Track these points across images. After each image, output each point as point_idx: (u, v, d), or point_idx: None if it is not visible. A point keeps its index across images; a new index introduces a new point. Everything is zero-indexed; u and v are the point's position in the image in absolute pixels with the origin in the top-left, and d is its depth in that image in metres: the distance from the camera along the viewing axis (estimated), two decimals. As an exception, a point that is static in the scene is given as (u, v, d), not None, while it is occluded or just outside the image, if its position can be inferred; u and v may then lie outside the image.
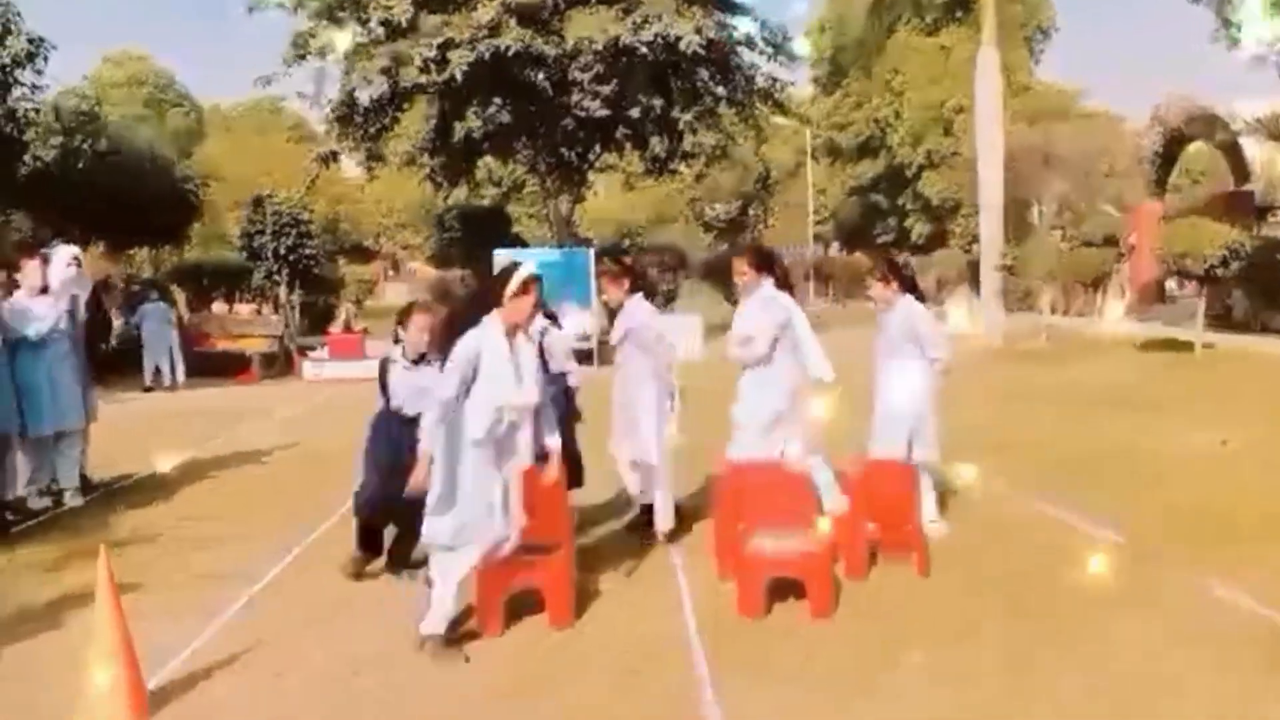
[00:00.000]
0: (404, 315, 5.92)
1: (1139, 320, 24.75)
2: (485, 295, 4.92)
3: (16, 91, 15.73)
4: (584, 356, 18.26)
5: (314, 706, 4.30)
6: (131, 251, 30.08)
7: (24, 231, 21.59)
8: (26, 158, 18.11)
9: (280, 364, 20.03)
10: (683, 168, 25.30)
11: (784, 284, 6.24)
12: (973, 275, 26.57)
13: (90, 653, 4.06)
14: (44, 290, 7.87)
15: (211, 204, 34.00)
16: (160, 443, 10.80)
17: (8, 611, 5.48)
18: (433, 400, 4.71)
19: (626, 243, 59.04)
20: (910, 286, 6.61)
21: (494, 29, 17.94)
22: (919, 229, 47.62)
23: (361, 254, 60.05)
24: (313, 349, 20.21)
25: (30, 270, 7.78)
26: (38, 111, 17.40)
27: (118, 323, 19.64)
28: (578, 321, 21.05)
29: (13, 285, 7.79)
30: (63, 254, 7.97)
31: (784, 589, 5.27)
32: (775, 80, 23.97)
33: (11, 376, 7.59)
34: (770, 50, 22.99)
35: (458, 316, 4.91)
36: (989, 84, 22.72)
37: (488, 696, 4.35)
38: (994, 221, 22.81)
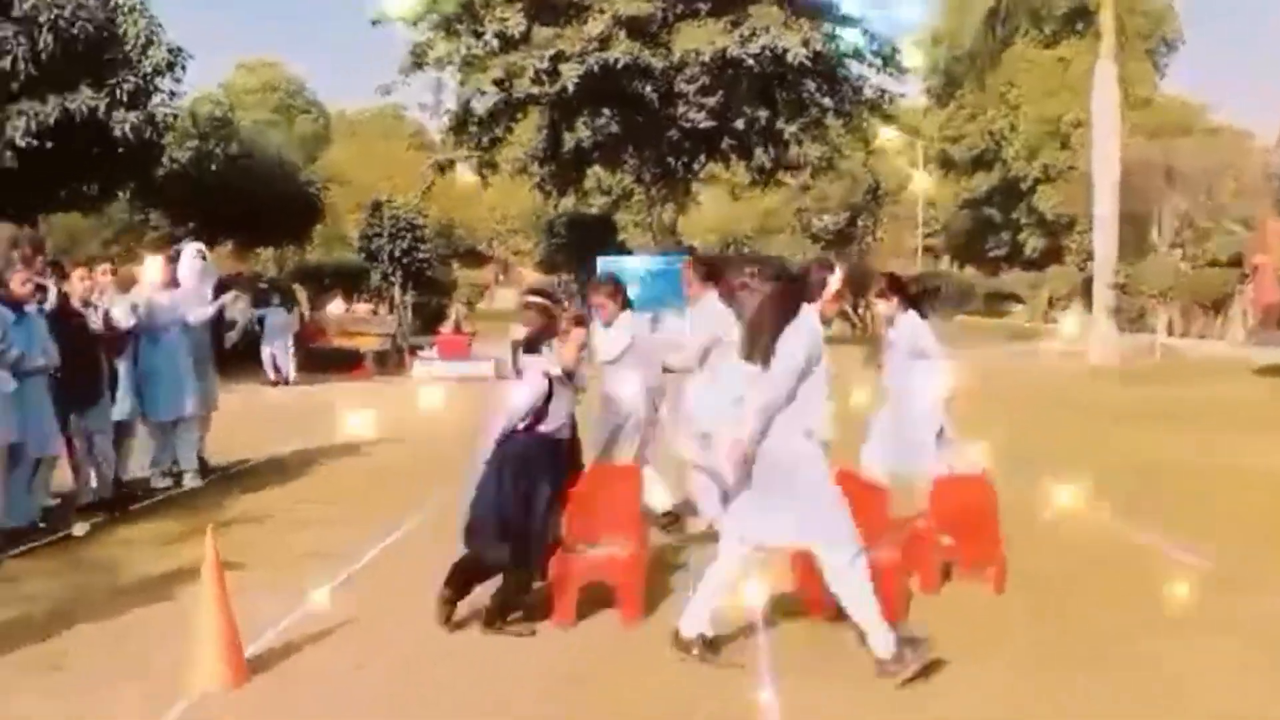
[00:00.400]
0: (545, 323, 5.34)
1: (1260, 344, 23.75)
2: (800, 290, 4.72)
3: (156, 98, 16.76)
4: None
5: (391, 680, 4.62)
6: (258, 251, 31.56)
7: (161, 229, 22.95)
8: (164, 160, 19.26)
9: (392, 362, 20.83)
10: (788, 178, 25.34)
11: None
12: (1086, 292, 25.91)
13: (196, 621, 4.46)
14: (171, 285, 8.51)
15: (333, 207, 35.50)
16: (274, 432, 11.50)
17: (128, 580, 5.98)
18: (761, 395, 4.57)
19: (730, 251, 59.17)
20: (913, 302, 6.76)
21: (604, 42, 18.38)
22: (1032, 244, 46.47)
23: (475, 258, 61.41)
24: (423, 348, 20.94)
25: (157, 267, 8.41)
26: (175, 117, 18.50)
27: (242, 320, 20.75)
28: (677, 328, 21.38)
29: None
30: (190, 250, 8.59)
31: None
32: (884, 92, 23.86)
33: (134, 365, 8.26)
34: (879, 62, 22.90)
35: (780, 308, 4.72)
36: (1106, 97, 22.19)
37: (551, 681, 4.60)
38: (1108, 238, 22.26)
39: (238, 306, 9.47)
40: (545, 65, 18.69)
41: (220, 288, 9.14)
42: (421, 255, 22.39)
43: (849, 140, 25.33)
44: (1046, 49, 43.73)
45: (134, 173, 17.96)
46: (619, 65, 18.48)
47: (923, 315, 6.81)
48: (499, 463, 5.11)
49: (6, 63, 14.23)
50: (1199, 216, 29.07)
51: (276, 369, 18.42)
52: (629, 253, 27.00)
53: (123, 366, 8.28)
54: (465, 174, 30.41)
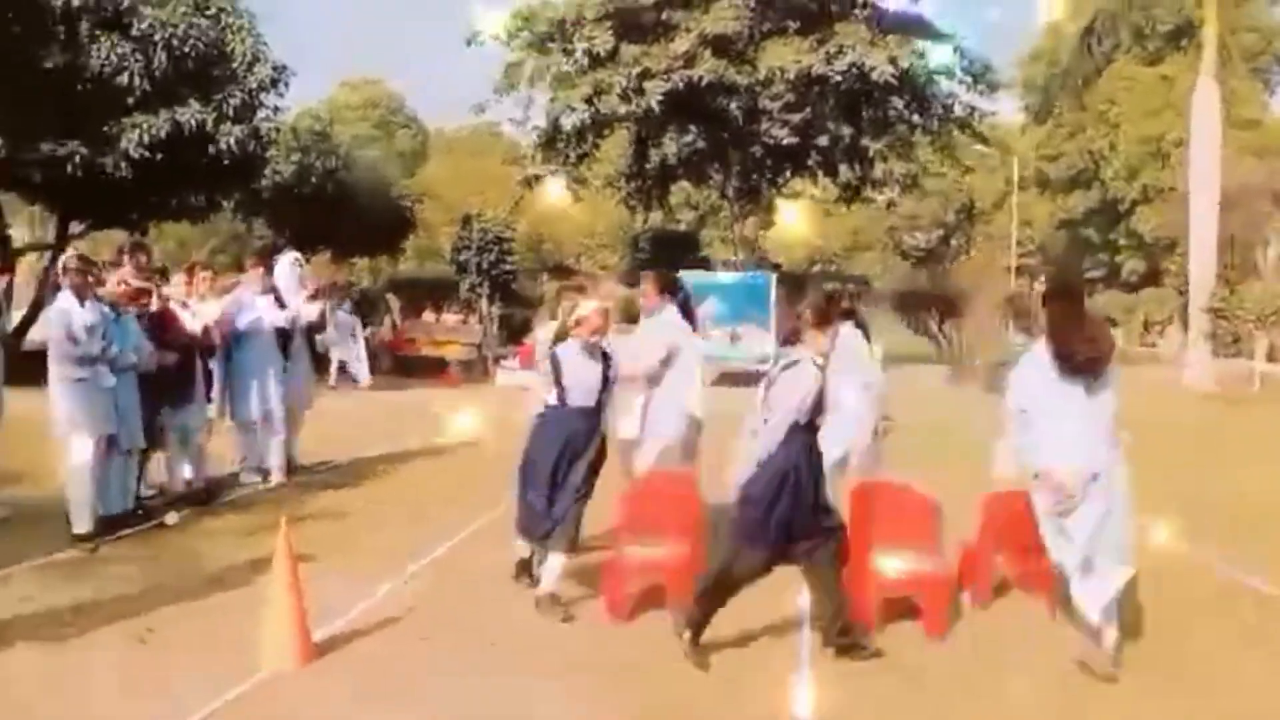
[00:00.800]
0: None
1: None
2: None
3: (261, 114, 17.52)
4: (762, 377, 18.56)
5: (450, 666, 4.86)
6: (353, 261, 32.59)
7: (265, 238, 23.91)
8: (267, 172, 20.10)
9: (477, 370, 21.39)
10: (875, 195, 25.19)
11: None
12: (1185, 316, 25.18)
13: (270, 605, 4.77)
14: (266, 292, 8.99)
15: (427, 221, 36.44)
16: (359, 435, 11.95)
17: (211, 567, 6.37)
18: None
19: (817, 268, 58.83)
20: (847, 314, 6.92)
21: (689, 60, 18.61)
22: (1131, 265, 45.15)
23: (564, 273, 62.12)
24: (506, 358, 21.42)
25: (254, 275, 8.91)
26: (278, 131, 19.29)
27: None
28: (758, 341, 21.43)
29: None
30: (286, 258, 9.05)
31: (900, 607, 5.45)
32: (974, 109, 23.59)
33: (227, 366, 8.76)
34: (969, 80, 22.68)
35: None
36: (1206, 115, 21.61)
37: (593, 670, 4.82)
38: (1205, 261, 21.64)
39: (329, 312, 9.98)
40: (632, 83, 19.01)
41: (314, 295, 9.53)
42: (507, 268, 22.93)
43: (938, 158, 25.09)
44: (1150, 66, 42.57)
45: (238, 184, 18.78)
46: (703, 83, 18.68)
47: (860, 327, 7.11)
48: None
49: (124, 79, 15.06)
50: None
51: (342, 371, 18.58)
52: (711, 268, 27.15)
53: (216, 367, 8.78)
54: (556, 190, 31.01)
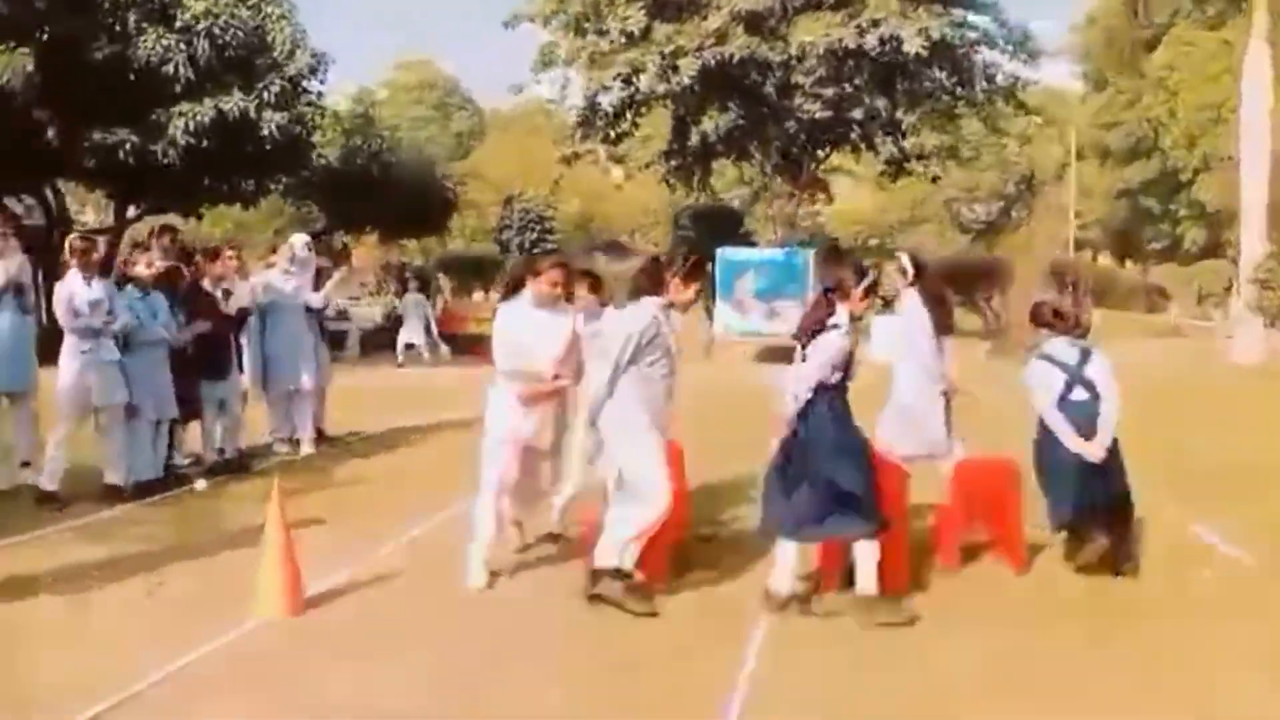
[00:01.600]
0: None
1: None
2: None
3: (304, 99, 18.07)
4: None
5: (436, 621, 5.22)
6: (404, 242, 33.26)
7: (317, 220, 24.58)
8: (313, 156, 20.68)
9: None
10: (918, 169, 24.97)
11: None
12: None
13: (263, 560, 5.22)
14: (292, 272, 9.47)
15: (478, 201, 37.02)
16: (392, 408, 12.40)
17: (231, 528, 6.80)
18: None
19: (875, 242, 58.23)
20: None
21: (721, 37, 18.71)
22: (1192, 236, 44.10)
23: (620, 251, 62.36)
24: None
25: (282, 252, 9.40)
26: (322, 116, 19.85)
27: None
28: (796, 317, 21.53)
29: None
30: (297, 240, 9.50)
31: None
32: (1017, 79, 23.26)
33: (260, 341, 9.25)
34: (1010, 48, 22.38)
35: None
36: (1258, 80, 21.12)
37: (553, 629, 5.17)
38: (1255, 230, 21.19)
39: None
40: (667, 61, 19.18)
41: (317, 276, 9.95)
42: (549, 246, 23.27)
43: (982, 130, 24.81)
44: (1210, 30, 41.37)
45: (285, 168, 19.38)
46: (735, 60, 18.77)
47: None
48: None
49: (170, 68, 15.68)
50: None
51: (409, 348, 19.56)
52: (756, 244, 27.24)
53: (247, 342, 9.26)
54: (609, 168, 31.26)
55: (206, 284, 8.69)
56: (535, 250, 22.98)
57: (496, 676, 4.54)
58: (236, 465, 8.81)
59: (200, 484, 8.12)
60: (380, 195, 22.02)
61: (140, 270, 7.78)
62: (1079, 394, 5.87)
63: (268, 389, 9.43)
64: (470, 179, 31.17)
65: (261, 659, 4.71)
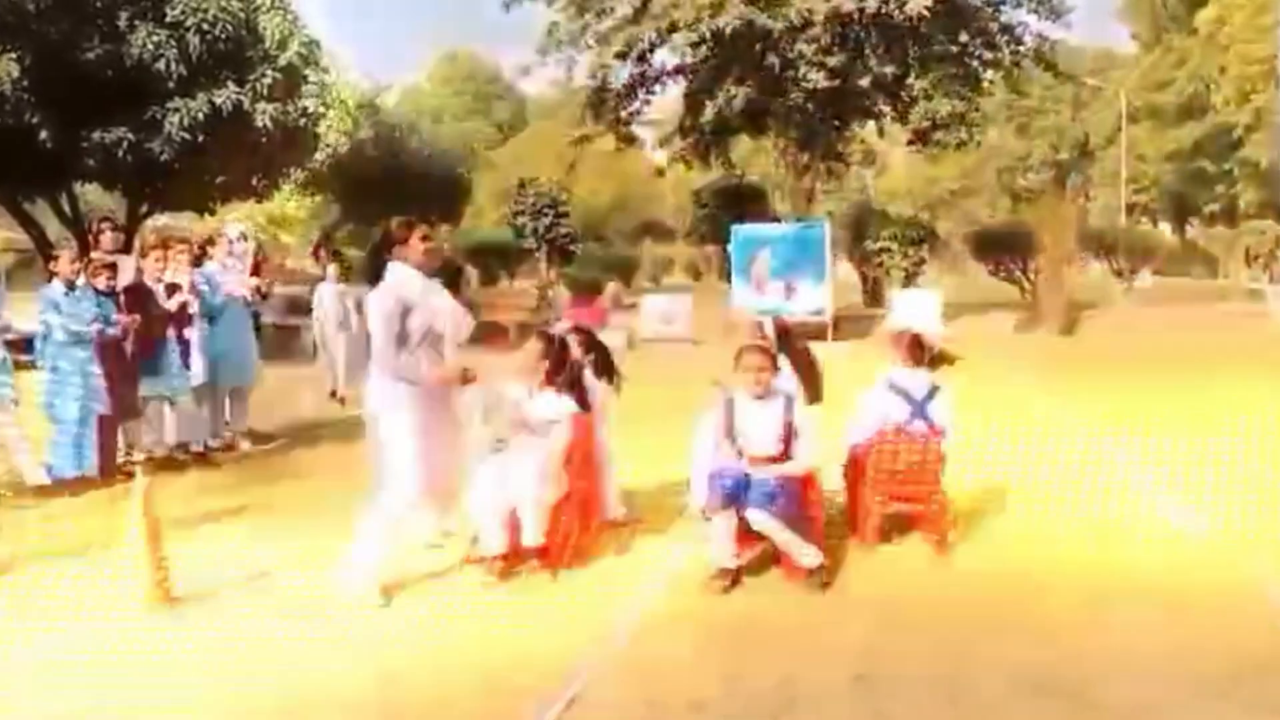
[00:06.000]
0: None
1: None
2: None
3: (305, 90, 17.97)
4: (819, 332, 18.19)
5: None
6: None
7: (330, 211, 24.71)
8: (320, 148, 20.66)
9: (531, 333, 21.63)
10: (946, 138, 24.18)
11: None
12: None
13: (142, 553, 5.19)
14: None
15: (509, 190, 36.93)
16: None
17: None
18: None
19: (926, 215, 57.08)
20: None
21: (716, 7, 18.25)
22: (1248, 197, 42.46)
23: (665, 233, 62.22)
24: (561, 319, 21.60)
25: (219, 244, 9.29)
26: (326, 106, 19.75)
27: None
28: (813, 297, 21.01)
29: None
30: (231, 230, 9.37)
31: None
32: (1045, 39, 22.45)
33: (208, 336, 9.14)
34: (1036, 6, 21.60)
35: None
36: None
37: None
38: (1293, 187, 20.22)
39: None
40: (662, 36, 18.80)
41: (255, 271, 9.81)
42: (564, 231, 23.05)
43: (1036, 97, 23.90)
44: (1261, -21, 39.72)
45: (290, 161, 19.35)
46: (729, 31, 18.29)
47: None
48: None
49: (161, 65, 15.67)
50: None
51: None
52: (780, 220, 26.75)
53: (193, 337, 9.12)
54: (648, 152, 30.93)
55: (147, 279, 8.63)
56: (550, 235, 22.76)
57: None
58: (202, 459, 8.77)
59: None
60: (388, 183, 21.95)
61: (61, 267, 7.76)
62: (919, 427, 5.80)
63: (212, 384, 9.29)
64: (509, 165, 31.05)
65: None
